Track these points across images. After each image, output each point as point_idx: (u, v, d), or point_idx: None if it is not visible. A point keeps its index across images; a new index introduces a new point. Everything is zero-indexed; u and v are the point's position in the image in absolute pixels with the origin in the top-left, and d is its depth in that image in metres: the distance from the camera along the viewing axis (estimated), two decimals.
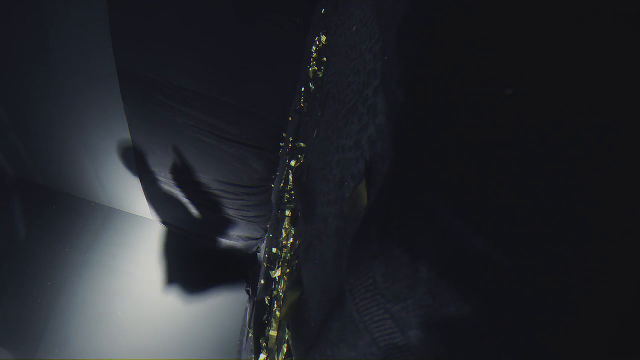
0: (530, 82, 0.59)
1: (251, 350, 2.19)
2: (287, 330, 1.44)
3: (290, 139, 2.23)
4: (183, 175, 3.17)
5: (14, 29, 2.48)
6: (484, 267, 0.58)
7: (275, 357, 1.62)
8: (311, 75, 1.86)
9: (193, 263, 3.89)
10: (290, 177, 1.99)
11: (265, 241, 3.38)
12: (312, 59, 1.88)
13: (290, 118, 2.42)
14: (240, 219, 3.42)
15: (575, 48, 0.56)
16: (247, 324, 3.27)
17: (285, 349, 1.51)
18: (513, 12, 0.62)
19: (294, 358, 1.30)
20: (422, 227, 0.67)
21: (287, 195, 2.08)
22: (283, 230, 2.02)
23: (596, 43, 0.54)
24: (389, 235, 0.74)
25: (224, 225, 3.57)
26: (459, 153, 0.63)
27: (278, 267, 1.95)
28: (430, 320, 0.67)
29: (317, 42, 1.86)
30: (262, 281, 2.46)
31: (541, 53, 0.58)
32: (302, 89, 2.03)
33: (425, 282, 0.66)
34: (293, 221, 1.92)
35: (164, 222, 3.84)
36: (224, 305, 3.75)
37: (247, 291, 3.81)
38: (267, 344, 1.82)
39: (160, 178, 3.27)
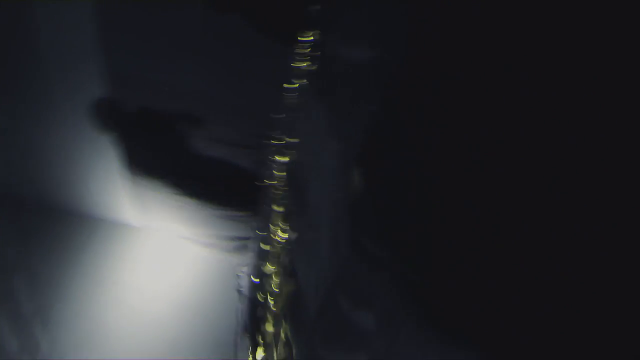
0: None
1: (247, 347, 2.19)
2: (283, 323, 1.46)
3: (281, 136, 2.24)
4: (173, 176, 3.15)
5: (6, 32, 2.44)
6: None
7: (273, 350, 1.63)
8: (303, 72, 1.87)
9: (184, 265, 3.88)
10: (282, 173, 2.01)
11: (256, 238, 3.38)
12: (304, 56, 1.89)
13: (281, 115, 2.43)
14: (231, 217, 3.42)
15: (569, 55, 0.56)
16: (241, 323, 3.27)
17: (282, 342, 1.52)
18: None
19: (292, 349, 1.32)
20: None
21: (278, 192, 2.09)
22: (274, 227, 2.03)
23: (593, 43, 0.55)
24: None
25: (215, 224, 3.56)
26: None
27: (270, 263, 1.96)
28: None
29: (310, 38, 1.88)
30: (255, 278, 2.47)
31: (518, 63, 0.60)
32: (294, 85, 2.05)
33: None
34: (284, 217, 1.94)
35: (154, 226, 3.81)
36: (220, 306, 3.73)
37: (240, 291, 3.80)
38: (263, 339, 1.83)
39: (151, 180, 3.25)
